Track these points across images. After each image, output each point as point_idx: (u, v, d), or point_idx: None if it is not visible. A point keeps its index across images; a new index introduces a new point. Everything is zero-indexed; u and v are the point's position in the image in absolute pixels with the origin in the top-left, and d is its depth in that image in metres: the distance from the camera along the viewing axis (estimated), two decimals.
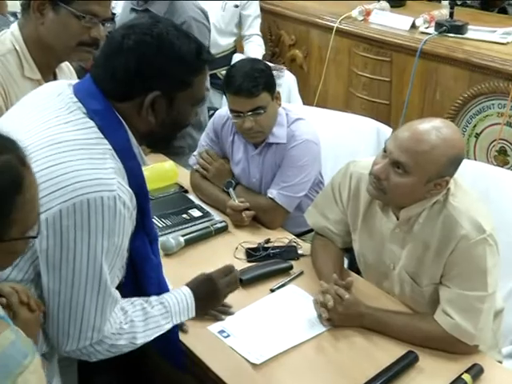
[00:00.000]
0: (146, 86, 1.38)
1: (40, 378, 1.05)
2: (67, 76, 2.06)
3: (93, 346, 1.41)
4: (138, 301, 1.51)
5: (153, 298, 1.54)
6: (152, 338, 1.51)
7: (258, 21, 3.99)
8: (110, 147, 1.36)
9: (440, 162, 1.67)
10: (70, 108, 1.38)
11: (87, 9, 1.80)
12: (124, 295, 1.48)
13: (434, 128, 1.69)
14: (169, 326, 1.54)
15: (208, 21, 3.05)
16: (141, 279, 1.54)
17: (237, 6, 3.97)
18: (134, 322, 1.47)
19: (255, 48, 3.88)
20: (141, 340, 1.49)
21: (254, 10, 3.99)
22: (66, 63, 2.11)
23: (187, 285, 1.65)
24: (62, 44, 1.87)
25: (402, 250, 1.84)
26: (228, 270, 1.74)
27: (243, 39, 3.99)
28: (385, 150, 1.74)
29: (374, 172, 1.76)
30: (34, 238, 1.14)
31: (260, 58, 3.85)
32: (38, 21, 1.85)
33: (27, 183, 1.09)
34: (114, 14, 2.08)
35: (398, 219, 1.82)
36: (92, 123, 1.37)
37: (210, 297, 1.70)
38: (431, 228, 1.75)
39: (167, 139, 1.53)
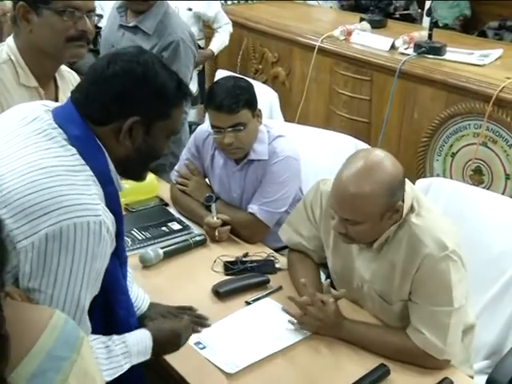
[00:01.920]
0: (127, 110, 1.40)
1: (90, 348, 1.10)
2: (69, 84, 2.09)
3: None
4: (101, 338, 1.49)
5: (116, 337, 1.52)
6: (112, 378, 1.48)
7: (222, 14, 4.21)
8: (91, 173, 1.37)
9: (380, 201, 1.69)
10: (50, 134, 1.38)
11: (66, 4, 1.85)
12: (94, 318, 1.46)
13: (360, 174, 1.68)
14: (127, 367, 1.51)
15: (195, 45, 3.09)
16: (111, 302, 1.53)
17: (190, 9, 4.06)
18: (98, 360, 1.45)
19: (215, 40, 4.18)
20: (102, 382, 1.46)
21: (214, 9, 4.17)
22: (72, 73, 2.15)
23: (150, 328, 1.60)
24: (51, 44, 1.91)
25: (370, 269, 1.88)
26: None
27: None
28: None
29: (333, 229, 1.81)
30: None
31: (219, 47, 4.21)
32: (26, 29, 1.90)
33: None
34: (100, 16, 2.10)
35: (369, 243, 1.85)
36: (74, 150, 1.37)
37: (170, 344, 1.66)
38: (397, 248, 1.79)
39: (140, 168, 1.53)
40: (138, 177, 1.57)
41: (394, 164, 1.73)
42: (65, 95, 2.04)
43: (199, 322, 1.86)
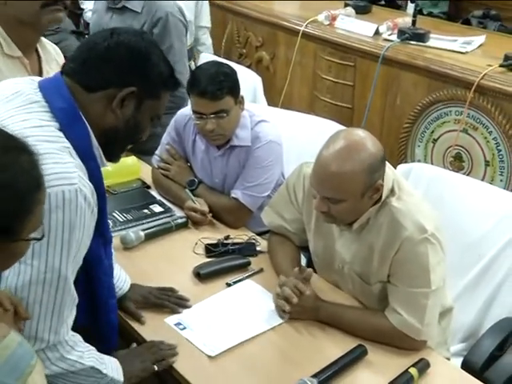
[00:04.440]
0: (126, 79, 1.41)
1: (43, 378, 1.07)
2: (52, 56, 2.09)
3: (45, 351, 1.39)
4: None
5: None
6: (97, 367, 1.49)
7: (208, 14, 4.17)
8: (68, 145, 1.37)
9: (360, 178, 1.70)
10: (31, 108, 1.38)
11: None
12: None
13: (339, 153, 1.70)
14: (105, 372, 1.52)
15: (184, 17, 3.10)
16: (93, 282, 1.54)
17: None
18: (81, 343, 1.48)
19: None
20: (89, 362, 1.47)
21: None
22: (53, 46, 2.15)
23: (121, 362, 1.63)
24: (27, 12, 1.91)
25: (350, 250, 1.90)
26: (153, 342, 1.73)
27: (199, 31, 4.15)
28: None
29: (315, 208, 1.82)
30: (39, 239, 1.14)
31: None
32: (1, 1, 1.89)
33: (43, 183, 1.11)
34: (81, 9, 2.10)
35: (349, 224, 1.87)
36: (51, 122, 1.37)
37: (134, 359, 1.67)
38: (377, 231, 1.81)
39: (121, 144, 1.53)
40: (116, 155, 1.56)
41: (374, 143, 1.75)
42: (48, 65, 2.05)
43: (180, 303, 1.88)
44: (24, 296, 1.33)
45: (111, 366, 1.55)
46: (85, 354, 1.47)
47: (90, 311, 1.54)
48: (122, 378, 1.58)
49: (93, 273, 1.53)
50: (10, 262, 1.14)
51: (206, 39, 4.16)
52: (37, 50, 2.05)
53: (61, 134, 1.37)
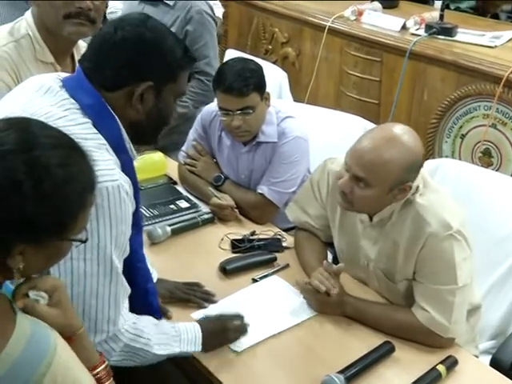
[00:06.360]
0: (139, 75, 1.42)
1: (68, 349, 1.07)
2: None
3: (108, 342, 1.43)
4: (147, 317, 1.56)
5: (164, 321, 1.60)
6: (163, 353, 1.54)
7: None
8: (104, 142, 1.39)
9: (398, 171, 1.70)
10: (64, 106, 1.40)
11: None
12: None
13: (388, 139, 1.71)
14: (178, 351, 1.58)
15: (214, 13, 3.11)
16: (129, 270, 1.54)
17: None
18: (147, 329, 1.51)
19: None
20: (155, 350, 1.51)
21: None
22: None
23: (197, 321, 1.68)
24: (51, 21, 1.93)
25: (374, 247, 1.89)
26: (240, 316, 1.75)
27: None
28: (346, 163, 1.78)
29: (338, 187, 1.80)
30: (84, 242, 1.15)
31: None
32: (35, 3, 1.94)
33: (96, 187, 1.14)
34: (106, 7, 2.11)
35: (370, 219, 1.86)
36: (85, 119, 1.39)
37: (218, 335, 1.70)
38: (401, 227, 1.80)
39: (152, 132, 1.54)
40: (152, 141, 1.58)
41: (421, 148, 1.77)
42: None
43: (206, 297, 1.88)
44: (80, 291, 1.37)
45: (187, 338, 1.59)
46: (152, 341, 1.51)
47: (130, 300, 1.55)
48: (199, 348, 1.63)
49: (130, 261, 1.54)
50: (50, 262, 1.15)
51: None
52: (72, 55, 2.06)
53: (95, 131, 1.39)
